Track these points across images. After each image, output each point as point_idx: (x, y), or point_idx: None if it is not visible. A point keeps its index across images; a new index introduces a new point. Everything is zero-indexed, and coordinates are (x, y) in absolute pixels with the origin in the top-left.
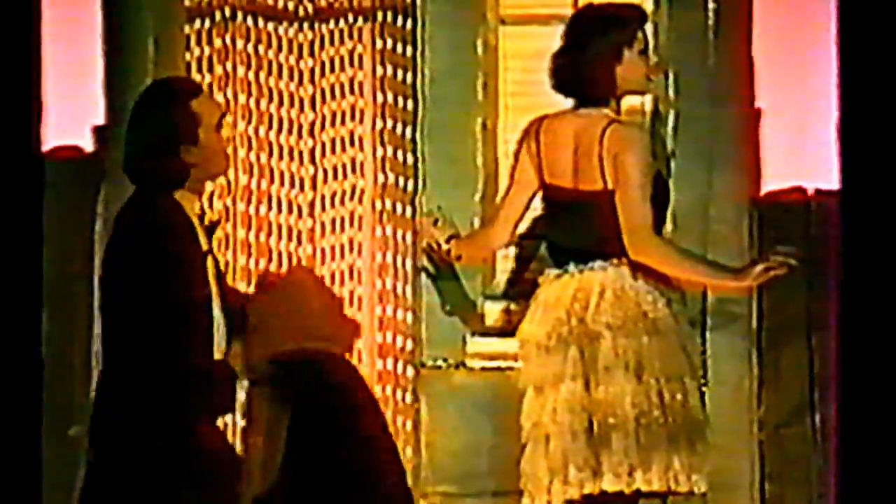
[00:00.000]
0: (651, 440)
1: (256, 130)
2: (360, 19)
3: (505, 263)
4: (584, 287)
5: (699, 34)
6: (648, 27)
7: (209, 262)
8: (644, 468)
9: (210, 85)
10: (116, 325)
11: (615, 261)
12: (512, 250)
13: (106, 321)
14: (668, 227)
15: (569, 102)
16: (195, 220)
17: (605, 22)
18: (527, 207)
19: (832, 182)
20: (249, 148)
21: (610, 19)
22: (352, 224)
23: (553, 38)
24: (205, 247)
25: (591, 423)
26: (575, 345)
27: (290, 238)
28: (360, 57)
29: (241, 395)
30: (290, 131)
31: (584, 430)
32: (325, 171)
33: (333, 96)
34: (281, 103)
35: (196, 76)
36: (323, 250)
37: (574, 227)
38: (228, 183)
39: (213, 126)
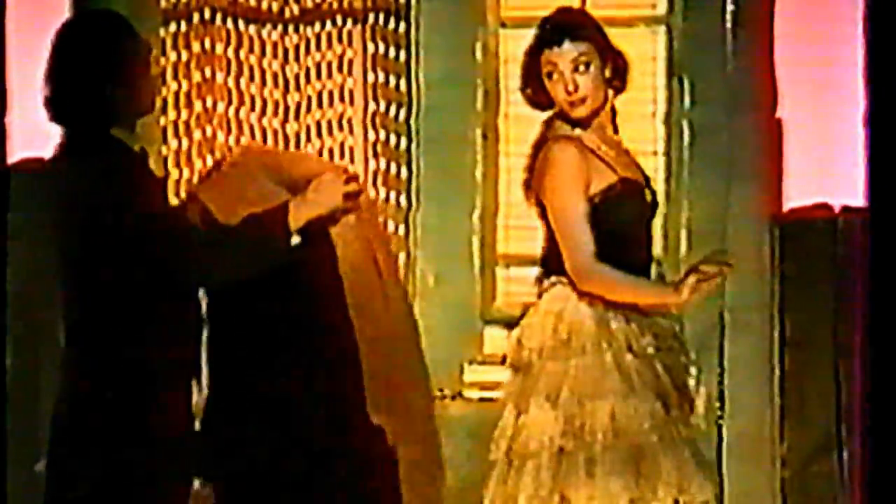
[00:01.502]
0: (569, 468)
1: (237, 141)
2: (350, 21)
3: (507, 285)
4: (530, 310)
5: (716, 38)
6: (658, 39)
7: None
8: (563, 500)
9: (188, 93)
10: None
11: (554, 278)
12: (514, 270)
13: (72, 274)
14: (683, 247)
15: None
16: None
17: (537, 31)
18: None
19: (859, 198)
20: None
21: (538, 29)
22: None
23: None
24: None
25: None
26: (516, 373)
27: None
28: (350, 62)
29: None
30: (273, 142)
31: (504, 461)
32: None
33: (321, 105)
34: (264, 112)
35: (172, 83)
36: None
37: (541, 246)
38: None
39: (142, 63)
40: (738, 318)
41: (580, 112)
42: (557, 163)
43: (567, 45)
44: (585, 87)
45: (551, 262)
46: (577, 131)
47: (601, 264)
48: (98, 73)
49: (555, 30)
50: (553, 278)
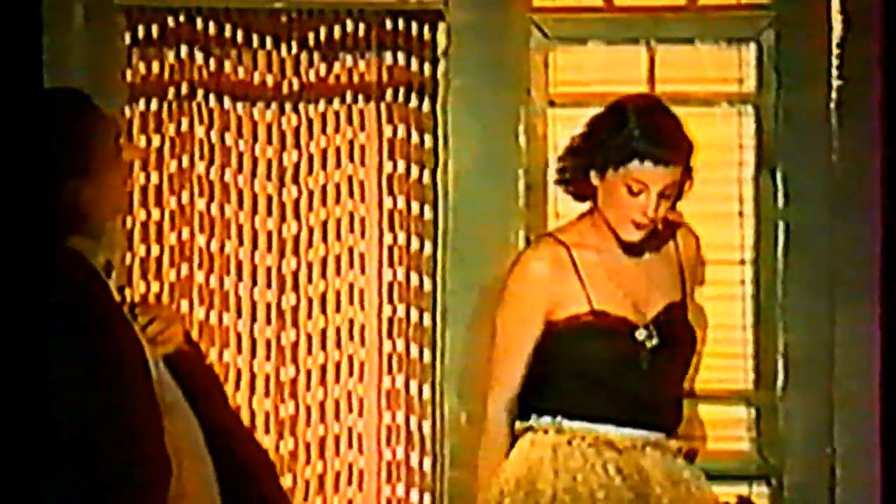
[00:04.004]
0: None
1: (221, 246)
2: (362, 99)
3: None
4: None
5: (818, 121)
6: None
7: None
8: None
9: (159, 187)
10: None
11: (531, 421)
12: None
13: None
14: (779, 381)
15: None
16: (102, 274)
17: (595, 122)
18: None
19: None
20: (210, 269)
21: (603, 122)
22: (351, 373)
23: None
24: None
25: None
26: None
27: (266, 393)
28: (362, 149)
29: None
30: (267, 247)
31: None
32: (311, 301)
33: (324, 202)
34: (255, 210)
35: (140, 175)
36: (308, 408)
37: None
38: (182, 317)
39: (109, 151)
40: (852, 469)
41: (633, 236)
42: (518, 270)
43: (667, 168)
44: (661, 212)
45: (527, 398)
46: (589, 238)
47: (506, 417)
48: (54, 174)
49: (658, 144)
50: (530, 421)
